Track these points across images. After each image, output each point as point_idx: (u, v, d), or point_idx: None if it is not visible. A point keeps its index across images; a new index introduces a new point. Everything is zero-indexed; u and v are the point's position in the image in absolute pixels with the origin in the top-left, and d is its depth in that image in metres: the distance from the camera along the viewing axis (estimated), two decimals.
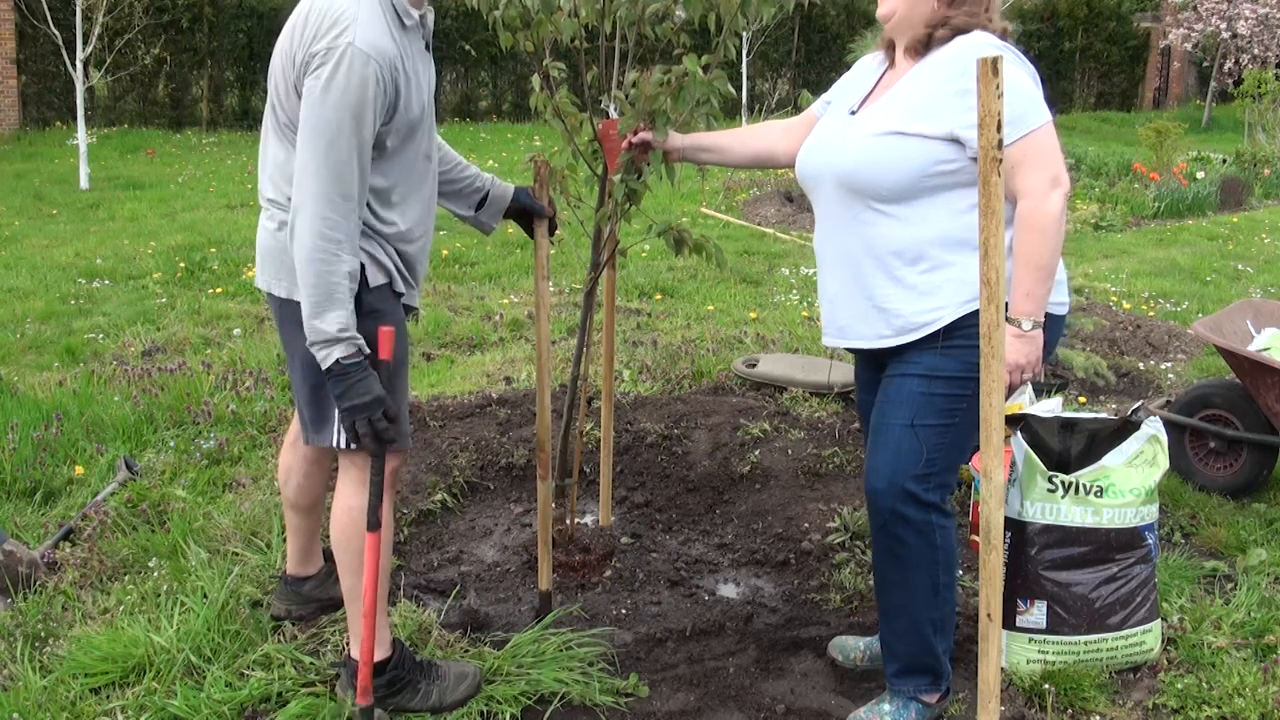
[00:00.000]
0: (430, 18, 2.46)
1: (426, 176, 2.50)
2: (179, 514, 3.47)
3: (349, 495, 2.47)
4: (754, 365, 4.93)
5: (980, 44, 2.31)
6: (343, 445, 2.42)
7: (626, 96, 2.79)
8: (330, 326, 2.22)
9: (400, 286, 2.46)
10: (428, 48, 2.47)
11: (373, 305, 2.38)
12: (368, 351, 2.28)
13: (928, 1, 2.39)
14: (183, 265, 7.23)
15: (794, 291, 7.02)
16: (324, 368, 2.25)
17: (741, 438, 4.23)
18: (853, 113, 2.52)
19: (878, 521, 2.46)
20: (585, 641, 2.82)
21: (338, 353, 2.23)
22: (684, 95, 2.71)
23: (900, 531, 2.43)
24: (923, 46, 2.40)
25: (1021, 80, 2.30)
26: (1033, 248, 2.28)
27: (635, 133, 2.78)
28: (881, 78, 2.54)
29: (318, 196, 2.19)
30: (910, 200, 2.36)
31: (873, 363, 2.60)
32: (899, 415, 2.41)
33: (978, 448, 2.16)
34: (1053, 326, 2.45)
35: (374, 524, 2.34)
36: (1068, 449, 3.00)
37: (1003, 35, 2.40)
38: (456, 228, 8.94)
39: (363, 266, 2.35)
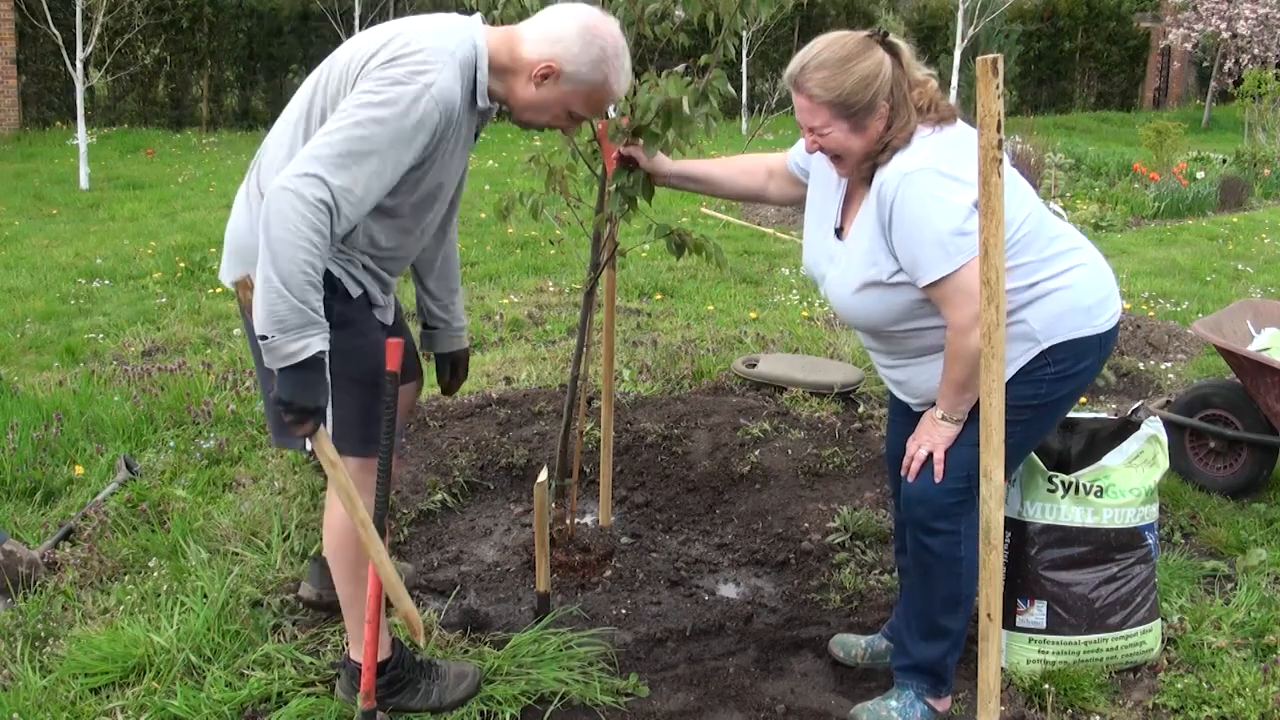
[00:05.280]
0: (493, 114, 2.45)
1: (430, 245, 2.52)
2: (179, 514, 3.46)
3: (339, 505, 2.44)
4: (754, 365, 4.93)
5: (897, 173, 2.27)
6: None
7: (616, 106, 2.79)
8: (316, 307, 2.09)
9: (378, 300, 2.44)
10: (476, 137, 2.45)
11: (348, 316, 2.33)
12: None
13: (872, 140, 2.33)
14: (183, 265, 7.24)
15: (794, 291, 7.02)
16: (300, 360, 2.09)
17: (741, 438, 4.23)
18: (838, 230, 2.50)
19: (911, 529, 2.53)
20: (585, 641, 2.82)
21: (319, 344, 2.11)
22: (672, 120, 2.70)
23: (929, 541, 2.48)
24: (870, 173, 2.38)
25: (949, 213, 2.23)
26: (954, 373, 2.36)
27: (625, 144, 2.78)
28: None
29: (327, 167, 2.08)
30: (925, 316, 2.39)
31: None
32: None
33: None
34: (1105, 342, 2.48)
35: (380, 531, 2.34)
36: (1068, 449, 3.00)
37: (922, 101, 2.35)
38: None
39: (337, 280, 2.30)
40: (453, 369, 2.90)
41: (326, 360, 2.20)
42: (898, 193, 2.26)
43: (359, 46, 2.28)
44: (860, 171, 2.40)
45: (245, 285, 2.19)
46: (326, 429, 2.25)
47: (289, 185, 2.07)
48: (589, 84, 2.32)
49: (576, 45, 2.28)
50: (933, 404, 2.47)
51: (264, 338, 2.08)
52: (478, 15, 2.39)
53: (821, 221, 2.55)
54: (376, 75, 2.17)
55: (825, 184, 2.55)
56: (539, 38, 2.30)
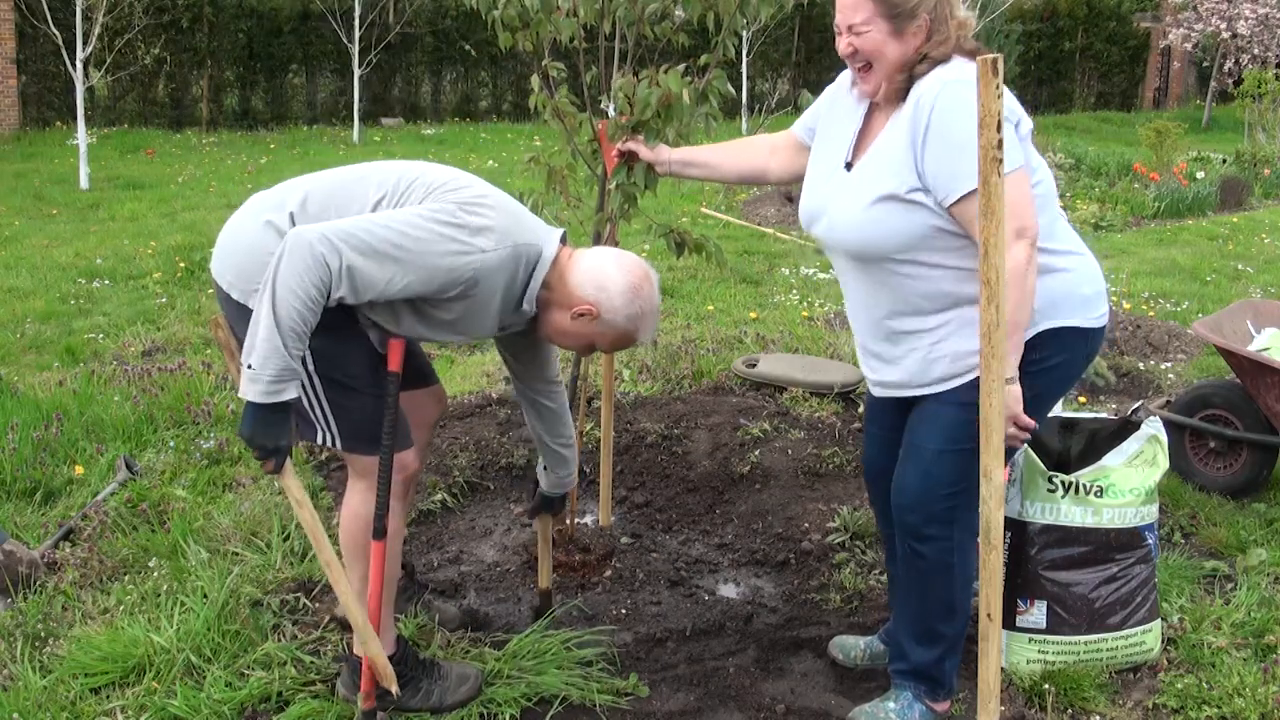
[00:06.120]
0: (525, 321, 2.48)
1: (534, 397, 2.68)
2: (179, 514, 3.47)
3: (357, 503, 2.47)
4: (754, 365, 4.93)
5: (939, 81, 2.24)
6: (332, 444, 2.42)
7: (615, 105, 2.80)
8: (297, 355, 2.15)
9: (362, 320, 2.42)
10: (502, 329, 2.49)
11: (331, 323, 2.30)
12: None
13: (907, 52, 2.29)
14: (183, 265, 7.23)
15: (794, 291, 7.02)
16: (270, 400, 2.14)
17: (741, 438, 4.23)
18: (848, 164, 2.43)
19: (902, 535, 2.50)
20: (585, 641, 2.82)
21: (292, 391, 2.16)
22: (671, 113, 2.69)
23: (922, 547, 2.46)
24: (905, 89, 2.32)
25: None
26: None
27: (624, 140, 2.77)
28: (869, 114, 2.44)
29: (353, 247, 2.14)
30: (931, 250, 2.31)
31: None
32: (933, 440, 2.41)
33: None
34: (1092, 339, 2.43)
35: (379, 531, 2.35)
36: (1068, 449, 3.00)
37: (960, 33, 2.31)
38: None
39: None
40: (546, 503, 2.93)
41: (316, 401, 2.31)
42: (938, 99, 2.21)
43: (455, 175, 2.38)
44: (892, 83, 2.31)
45: (217, 324, 2.27)
46: (290, 466, 2.27)
47: (311, 238, 2.13)
48: (619, 330, 2.44)
49: (619, 299, 2.39)
50: (921, 388, 2.42)
51: (248, 366, 2.14)
52: (564, 231, 2.48)
53: (828, 162, 2.48)
54: (449, 209, 2.26)
55: (836, 125, 2.50)
56: (588, 279, 2.39)
